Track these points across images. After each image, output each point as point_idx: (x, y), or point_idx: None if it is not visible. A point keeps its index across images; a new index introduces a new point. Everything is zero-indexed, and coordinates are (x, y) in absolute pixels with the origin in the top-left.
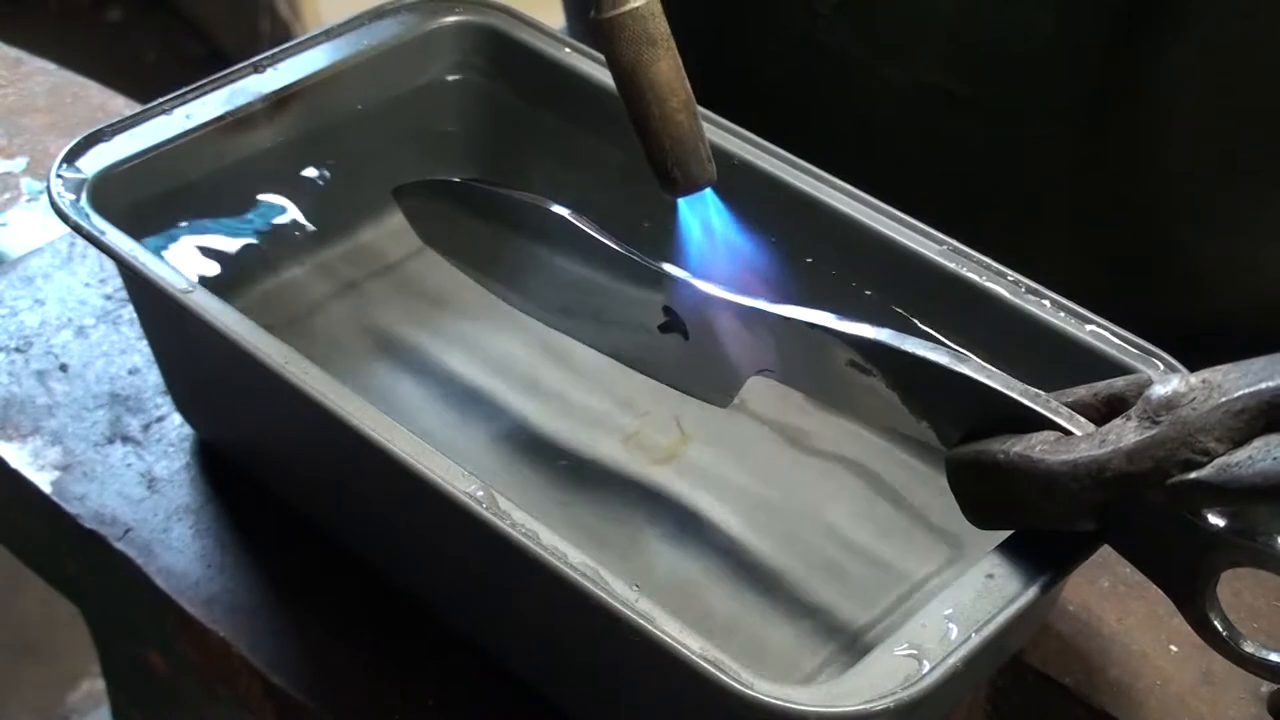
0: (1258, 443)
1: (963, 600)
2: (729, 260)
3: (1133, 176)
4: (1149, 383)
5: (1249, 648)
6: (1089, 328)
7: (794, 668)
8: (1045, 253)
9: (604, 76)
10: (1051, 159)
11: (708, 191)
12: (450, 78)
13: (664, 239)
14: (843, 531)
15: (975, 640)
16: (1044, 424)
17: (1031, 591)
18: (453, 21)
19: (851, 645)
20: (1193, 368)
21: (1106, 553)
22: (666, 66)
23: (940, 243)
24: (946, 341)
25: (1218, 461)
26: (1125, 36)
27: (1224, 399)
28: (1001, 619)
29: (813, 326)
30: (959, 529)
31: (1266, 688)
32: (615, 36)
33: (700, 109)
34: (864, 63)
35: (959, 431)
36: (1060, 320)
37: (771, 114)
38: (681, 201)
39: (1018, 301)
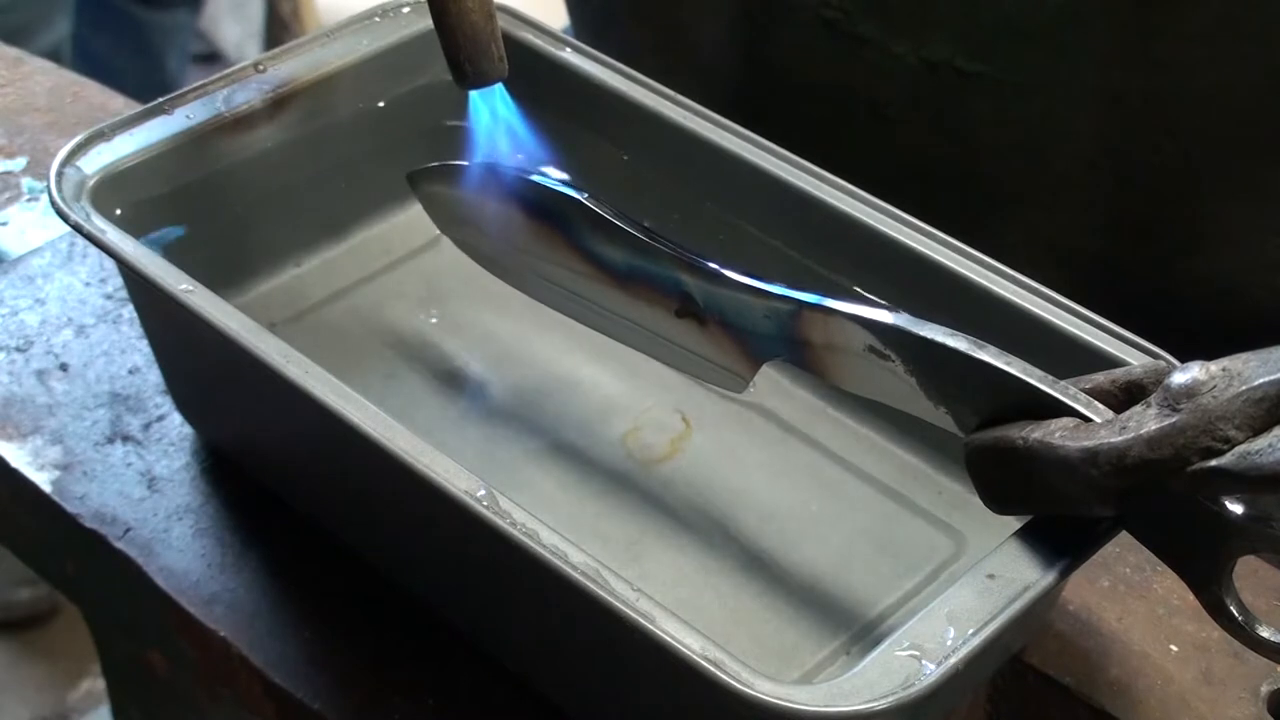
0: (1278, 430)
1: (963, 600)
2: (515, 149)
3: (1148, 148)
4: (1167, 371)
5: (1265, 632)
6: (1091, 328)
7: (794, 667)
8: (1060, 228)
9: (604, 76)
10: (1064, 132)
11: (498, 87)
12: (450, 77)
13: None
14: (843, 531)
15: (975, 640)
16: (1063, 410)
17: (1032, 592)
18: None
19: (852, 645)
20: None
21: (1106, 552)
22: None
23: (942, 243)
24: None
25: (1238, 449)
26: (1139, 5)
27: (1245, 387)
28: (1001, 619)
29: (832, 311)
30: (960, 528)
31: (1266, 687)
32: None
33: (687, 101)
34: (874, 40)
35: (977, 418)
36: (1062, 320)
37: (782, 92)
38: (473, 94)
39: (1020, 302)
